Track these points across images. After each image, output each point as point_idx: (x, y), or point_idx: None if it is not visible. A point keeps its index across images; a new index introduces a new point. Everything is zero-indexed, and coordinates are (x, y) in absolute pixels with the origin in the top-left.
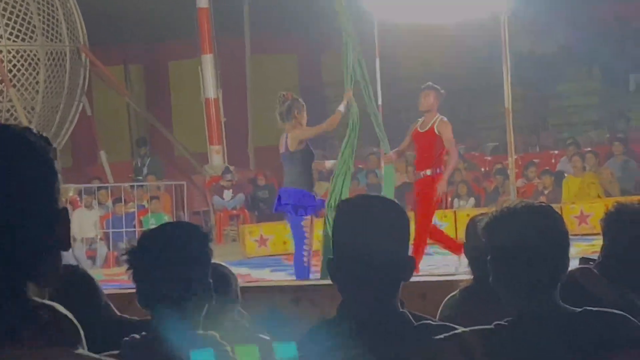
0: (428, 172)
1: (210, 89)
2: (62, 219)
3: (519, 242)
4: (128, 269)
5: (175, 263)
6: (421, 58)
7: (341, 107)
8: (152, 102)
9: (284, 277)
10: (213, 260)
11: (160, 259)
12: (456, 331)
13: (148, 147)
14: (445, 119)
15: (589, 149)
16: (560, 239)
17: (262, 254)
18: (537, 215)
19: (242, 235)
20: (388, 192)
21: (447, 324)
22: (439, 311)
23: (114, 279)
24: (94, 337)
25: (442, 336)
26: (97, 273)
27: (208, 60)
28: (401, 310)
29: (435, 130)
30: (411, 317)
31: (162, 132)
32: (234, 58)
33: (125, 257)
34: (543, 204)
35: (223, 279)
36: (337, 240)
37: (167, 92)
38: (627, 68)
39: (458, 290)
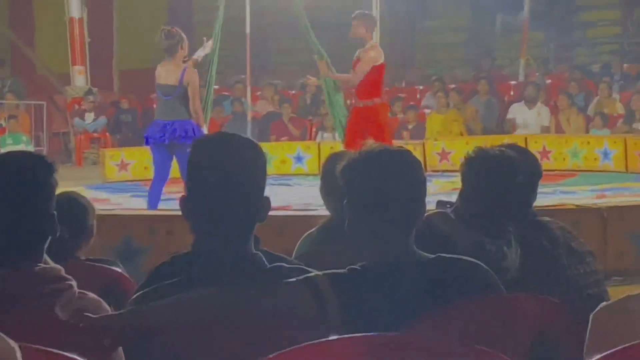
0: (369, 102)
1: (75, 8)
2: None
3: (375, 187)
4: None
5: (15, 193)
6: None
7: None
8: (15, 19)
9: (143, 203)
10: (71, 190)
11: (0, 187)
12: (308, 274)
13: (8, 68)
14: (373, 44)
15: (454, 86)
16: (417, 185)
17: (122, 179)
18: (394, 160)
19: (103, 158)
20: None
21: (301, 266)
22: (295, 249)
23: None
24: None
25: (293, 279)
26: None
27: None
28: (254, 251)
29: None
30: (264, 259)
31: (23, 50)
32: None
33: None
34: (402, 149)
35: (78, 211)
36: (191, 177)
37: (30, 8)
38: (495, 7)
39: (316, 228)
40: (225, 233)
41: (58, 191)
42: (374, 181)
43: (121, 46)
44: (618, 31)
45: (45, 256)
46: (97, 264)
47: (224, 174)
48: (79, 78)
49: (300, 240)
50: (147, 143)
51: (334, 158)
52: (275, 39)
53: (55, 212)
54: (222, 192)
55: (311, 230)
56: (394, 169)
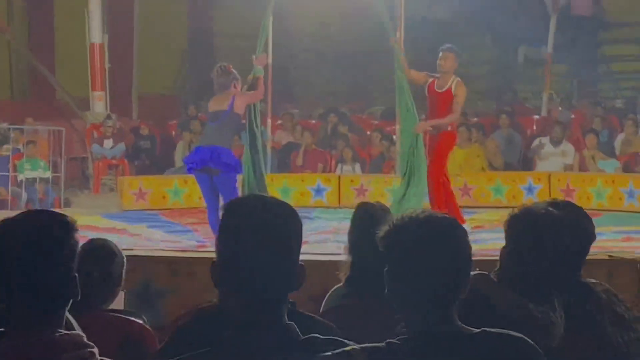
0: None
1: (96, 34)
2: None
3: (418, 256)
4: None
5: (33, 256)
6: (315, 18)
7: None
8: (35, 42)
9: (161, 234)
10: (101, 237)
11: (17, 251)
12: (345, 348)
13: None
14: (460, 80)
15: (476, 119)
16: (462, 256)
17: (139, 208)
18: (440, 229)
19: (121, 187)
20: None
21: (336, 338)
22: (324, 302)
23: None
24: None
25: (329, 354)
26: None
27: (95, 3)
28: (287, 322)
29: (453, 92)
30: (298, 330)
31: (43, 74)
32: (121, 1)
33: None
34: (446, 216)
35: (107, 261)
36: (222, 242)
37: (52, 31)
38: (518, 40)
39: (343, 283)
40: (257, 302)
41: (82, 221)
42: (417, 250)
43: (141, 72)
44: None
45: (67, 314)
46: (119, 316)
47: (258, 240)
48: (99, 104)
49: (328, 295)
50: (188, 170)
51: (368, 207)
52: (297, 68)
53: (76, 275)
54: (255, 259)
55: (339, 285)
56: (438, 239)
